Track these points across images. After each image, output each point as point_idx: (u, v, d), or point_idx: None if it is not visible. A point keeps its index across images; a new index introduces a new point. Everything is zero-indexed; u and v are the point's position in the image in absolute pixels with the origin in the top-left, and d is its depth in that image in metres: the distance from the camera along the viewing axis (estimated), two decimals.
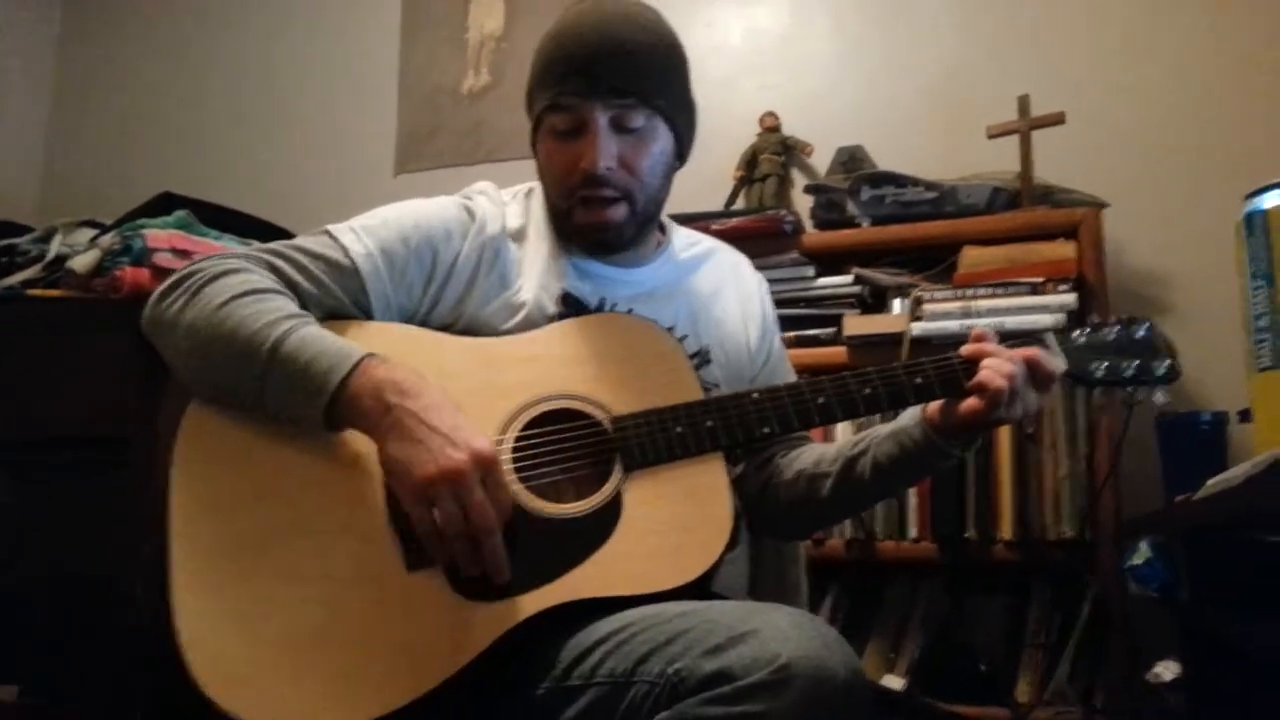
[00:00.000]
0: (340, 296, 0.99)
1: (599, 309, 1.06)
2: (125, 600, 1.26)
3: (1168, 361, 1.04)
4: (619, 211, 1.04)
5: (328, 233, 1.01)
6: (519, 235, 1.08)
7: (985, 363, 0.97)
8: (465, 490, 0.82)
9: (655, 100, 1.02)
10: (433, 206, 1.06)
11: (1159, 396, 1.05)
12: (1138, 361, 1.03)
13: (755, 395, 0.99)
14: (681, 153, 1.10)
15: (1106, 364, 1.03)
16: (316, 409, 0.87)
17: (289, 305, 0.93)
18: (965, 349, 1.00)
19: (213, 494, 0.89)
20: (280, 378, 0.88)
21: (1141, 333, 1.05)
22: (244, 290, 0.92)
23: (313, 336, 0.90)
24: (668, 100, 1.04)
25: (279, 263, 0.98)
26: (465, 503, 0.82)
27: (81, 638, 1.37)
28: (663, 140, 1.05)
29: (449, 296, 1.03)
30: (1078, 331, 1.05)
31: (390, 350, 0.92)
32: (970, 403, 0.96)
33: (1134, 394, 1.06)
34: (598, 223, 1.04)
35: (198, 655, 0.83)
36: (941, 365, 1.00)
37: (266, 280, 0.95)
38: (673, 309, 1.11)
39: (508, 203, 1.10)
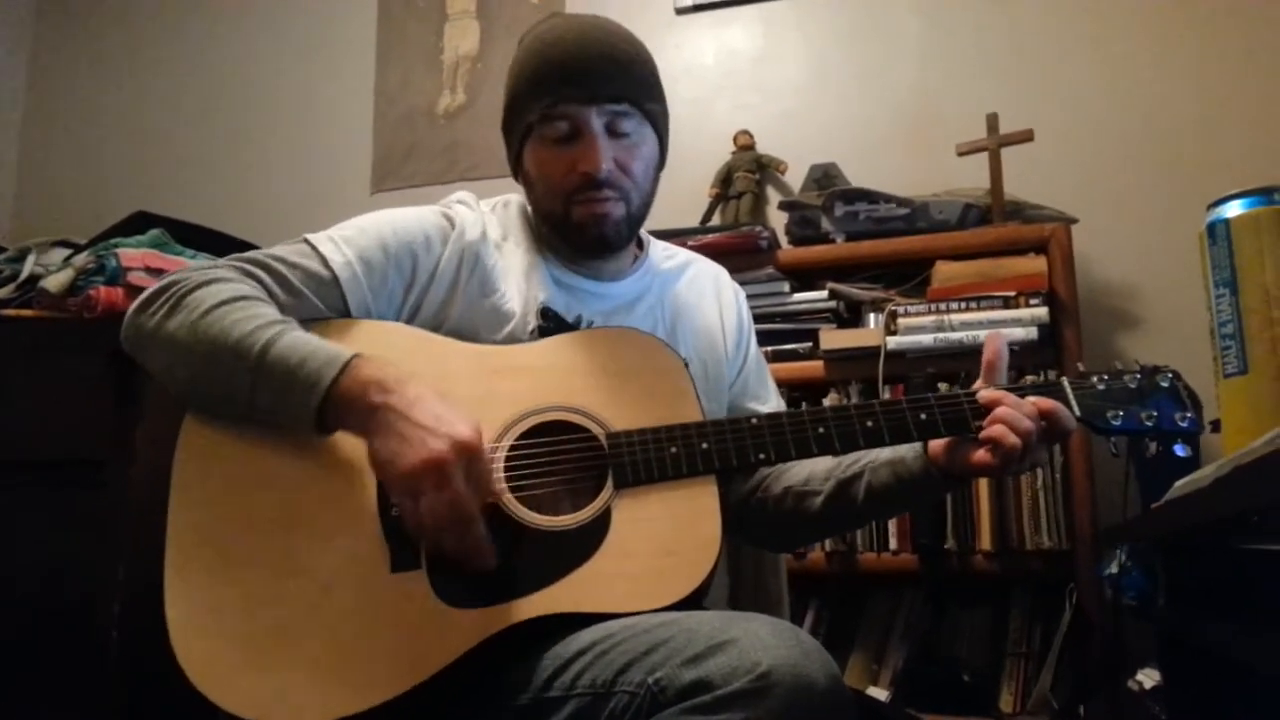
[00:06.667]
0: (318, 306, 0.98)
1: (575, 325, 1.06)
2: (100, 620, 1.24)
3: (1189, 414, 0.98)
4: (618, 208, 1.05)
5: (306, 241, 1.01)
6: (498, 243, 1.08)
7: (1000, 413, 0.93)
8: (447, 479, 0.82)
9: (646, 105, 1.05)
10: (411, 214, 1.06)
11: (1179, 450, 0.99)
12: (1157, 413, 0.98)
13: (754, 420, 0.98)
14: (664, 158, 1.12)
15: (1123, 413, 0.98)
16: (309, 410, 0.87)
17: (273, 311, 0.93)
18: (982, 395, 0.96)
19: (210, 486, 0.90)
20: (271, 380, 0.87)
21: (1165, 382, 1.00)
22: (228, 298, 0.92)
23: (301, 340, 0.90)
24: (656, 106, 1.07)
25: (258, 272, 0.98)
26: (447, 492, 0.82)
27: (56, 659, 1.35)
28: (650, 144, 1.07)
29: (430, 303, 1.03)
30: (1096, 378, 1.00)
31: (395, 353, 0.92)
32: (981, 455, 0.94)
33: (1151, 446, 1.00)
34: (598, 215, 1.04)
35: (184, 641, 0.83)
36: (949, 404, 0.97)
37: (248, 288, 0.95)
38: (650, 322, 1.11)
39: (486, 212, 1.11)
